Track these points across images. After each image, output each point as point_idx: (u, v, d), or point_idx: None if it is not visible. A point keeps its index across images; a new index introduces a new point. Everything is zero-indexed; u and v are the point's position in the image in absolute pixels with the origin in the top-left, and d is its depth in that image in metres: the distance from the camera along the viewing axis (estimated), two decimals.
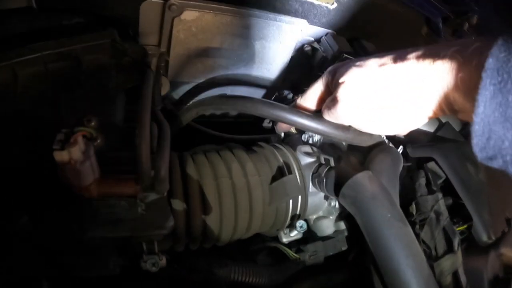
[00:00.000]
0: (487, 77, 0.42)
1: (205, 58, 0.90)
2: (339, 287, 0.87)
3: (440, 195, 0.88)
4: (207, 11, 0.83)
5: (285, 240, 0.80)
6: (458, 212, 0.93)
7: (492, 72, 0.41)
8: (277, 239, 0.82)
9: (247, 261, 0.83)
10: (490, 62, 0.42)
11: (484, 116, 0.42)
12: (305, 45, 0.96)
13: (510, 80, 0.40)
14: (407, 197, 0.88)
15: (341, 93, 0.61)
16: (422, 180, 0.89)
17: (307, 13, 0.88)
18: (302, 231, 0.79)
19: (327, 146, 0.82)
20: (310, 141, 0.83)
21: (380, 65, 0.58)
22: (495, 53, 0.42)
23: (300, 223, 0.78)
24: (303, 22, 0.91)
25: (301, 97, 0.72)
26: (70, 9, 0.78)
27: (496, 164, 0.44)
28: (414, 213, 0.85)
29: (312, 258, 0.80)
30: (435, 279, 0.67)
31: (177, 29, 0.84)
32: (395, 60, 0.57)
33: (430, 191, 0.88)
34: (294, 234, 0.79)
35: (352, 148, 0.84)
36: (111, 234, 0.61)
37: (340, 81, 0.61)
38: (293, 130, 0.86)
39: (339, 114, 0.63)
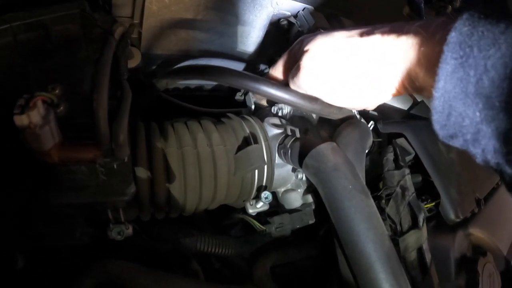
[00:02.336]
0: (448, 51, 0.41)
1: (178, 30, 0.90)
2: (307, 261, 0.88)
3: (407, 170, 0.88)
4: None
5: (251, 211, 0.80)
6: (427, 190, 0.93)
7: (454, 46, 0.40)
8: (245, 210, 0.82)
9: (215, 233, 0.84)
10: (452, 36, 0.41)
11: (444, 91, 0.41)
12: (281, 19, 0.95)
13: (472, 55, 0.39)
14: (376, 172, 0.88)
15: (304, 60, 0.61)
16: (390, 155, 0.89)
17: None
18: (268, 202, 0.79)
19: (297, 119, 0.82)
20: (280, 114, 0.83)
21: (347, 37, 0.58)
22: (459, 27, 0.40)
23: (265, 194, 0.78)
24: None
25: (272, 67, 0.73)
26: None
27: (457, 143, 0.43)
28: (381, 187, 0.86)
29: (279, 230, 0.80)
30: (397, 254, 0.67)
31: (150, 0, 0.83)
32: (361, 34, 0.57)
33: (398, 167, 0.88)
34: (260, 205, 0.79)
35: (322, 122, 0.84)
36: (72, 200, 0.61)
37: (305, 49, 0.62)
38: (264, 103, 0.86)
39: (301, 82, 0.63)
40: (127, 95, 0.68)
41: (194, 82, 1.02)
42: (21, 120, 0.51)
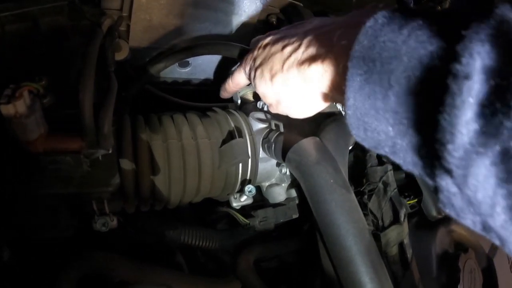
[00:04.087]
0: (353, 67, 0.39)
1: (167, 23, 0.90)
2: (292, 255, 0.89)
3: (389, 166, 0.89)
4: None
5: (235, 204, 0.81)
6: (410, 186, 0.94)
7: (358, 61, 0.38)
8: (229, 204, 0.83)
9: (200, 226, 0.85)
10: (356, 50, 0.39)
11: (355, 108, 0.40)
12: (270, 15, 0.96)
13: (375, 69, 0.37)
14: (359, 168, 0.89)
15: (264, 101, 0.69)
16: (373, 151, 0.90)
17: None
18: (251, 196, 0.80)
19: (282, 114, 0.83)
20: (265, 108, 0.83)
21: (272, 75, 0.62)
22: (361, 39, 0.38)
23: (248, 187, 0.79)
24: None
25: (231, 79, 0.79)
26: None
27: (382, 151, 0.41)
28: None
29: (262, 224, 0.81)
30: (378, 248, 0.68)
31: None
32: (282, 67, 0.60)
33: (381, 163, 0.90)
34: (244, 199, 0.80)
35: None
36: (56, 190, 0.62)
37: (256, 91, 0.68)
38: (250, 97, 0.87)
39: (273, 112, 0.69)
40: (113, 87, 0.68)
41: (182, 76, 1.02)
42: (7, 109, 0.52)
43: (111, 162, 0.66)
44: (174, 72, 1.00)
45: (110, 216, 0.69)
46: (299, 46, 0.57)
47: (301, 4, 0.97)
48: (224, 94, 0.86)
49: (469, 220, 0.34)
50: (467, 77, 0.30)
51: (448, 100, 0.31)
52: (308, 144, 0.69)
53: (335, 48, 0.48)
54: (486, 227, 0.33)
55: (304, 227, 0.91)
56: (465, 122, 0.30)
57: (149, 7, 0.86)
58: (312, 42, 0.55)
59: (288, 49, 0.59)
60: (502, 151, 0.29)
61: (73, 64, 0.75)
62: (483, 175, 0.30)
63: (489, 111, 0.29)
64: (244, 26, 0.96)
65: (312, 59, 0.53)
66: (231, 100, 0.90)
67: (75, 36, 0.78)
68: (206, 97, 0.98)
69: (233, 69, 0.87)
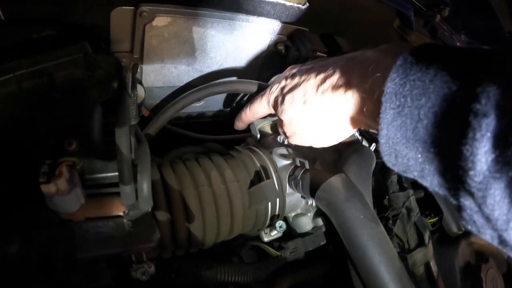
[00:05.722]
0: (386, 102, 0.44)
1: (178, 63, 0.91)
2: (320, 279, 0.92)
3: (411, 191, 0.92)
4: (178, 16, 0.83)
5: (266, 239, 0.83)
6: (429, 205, 0.98)
7: (391, 96, 0.44)
8: (259, 238, 0.85)
9: (231, 260, 0.87)
10: (388, 86, 0.44)
11: (388, 138, 0.45)
12: (278, 44, 0.97)
13: (406, 105, 0.42)
14: (380, 193, 0.92)
15: (285, 130, 0.74)
16: (394, 177, 0.93)
17: (279, 14, 0.88)
18: (282, 231, 0.82)
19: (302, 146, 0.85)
20: (286, 142, 0.85)
21: (306, 100, 0.65)
22: (393, 77, 0.44)
23: (279, 223, 0.81)
24: (276, 22, 0.92)
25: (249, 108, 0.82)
26: (40, 19, 0.77)
27: (411, 175, 0.47)
28: (388, 207, 0.89)
29: (293, 254, 0.84)
30: (407, 271, 0.71)
31: (149, 36, 0.84)
32: (316, 91, 0.63)
33: (402, 188, 0.92)
34: (275, 234, 0.83)
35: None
36: (100, 252, 0.63)
37: (281, 118, 0.73)
38: (268, 130, 0.88)
39: (294, 143, 0.76)
40: (145, 148, 0.68)
41: (196, 110, 1.03)
42: (48, 188, 0.52)
43: (149, 219, 0.66)
44: (188, 106, 1.01)
45: (148, 263, 0.70)
46: (333, 73, 0.61)
47: (307, 29, 0.98)
48: (239, 124, 0.88)
49: (488, 235, 0.40)
50: (485, 115, 0.36)
51: (470, 134, 0.36)
52: (336, 182, 0.72)
53: (370, 80, 0.53)
54: (502, 241, 0.39)
55: (328, 249, 0.93)
56: (484, 152, 0.35)
57: (160, 48, 0.87)
58: (346, 70, 0.59)
59: (322, 75, 0.63)
60: None
61: (94, 115, 0.75)
62: (499, 196, 0.36)
63: (503, 144, 0.35)
64: (255, 57, 0.97)
65: (347, 86, 0.58)
66: (245, 130, 0.91)
67: (92, 86, 0.78)
68: (220, 128, 0.99)
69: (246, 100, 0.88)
